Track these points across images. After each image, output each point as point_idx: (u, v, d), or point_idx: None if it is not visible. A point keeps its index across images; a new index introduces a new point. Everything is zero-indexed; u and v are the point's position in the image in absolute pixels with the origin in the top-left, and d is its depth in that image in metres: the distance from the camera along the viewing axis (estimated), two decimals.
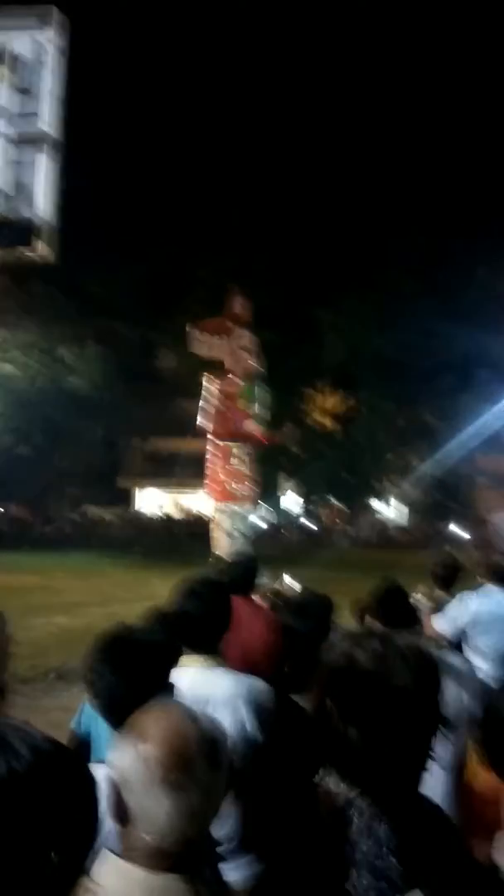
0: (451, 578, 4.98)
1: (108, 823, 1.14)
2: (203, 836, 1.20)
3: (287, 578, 5.98)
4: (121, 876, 1.13)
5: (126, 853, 1.15)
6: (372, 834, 1.33)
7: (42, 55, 2.96)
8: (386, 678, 1.31)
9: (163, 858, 1.14)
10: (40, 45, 2.97)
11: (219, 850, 1.74)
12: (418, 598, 4.68)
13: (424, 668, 1.34)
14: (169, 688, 1.88)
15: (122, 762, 1.17)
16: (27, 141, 2.86)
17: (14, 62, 2.92)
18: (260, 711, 2.21)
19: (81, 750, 2.65)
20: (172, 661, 1.98)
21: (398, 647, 1.35)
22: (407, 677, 1.31)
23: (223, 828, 1.77)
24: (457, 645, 4.65)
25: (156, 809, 1.12)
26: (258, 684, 2.28)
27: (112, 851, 1.17)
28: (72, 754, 1.04)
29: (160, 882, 1.13)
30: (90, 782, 1.00)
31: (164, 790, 1.12)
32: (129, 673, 1.78)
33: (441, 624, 4.46)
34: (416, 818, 1.35)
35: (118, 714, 1.65)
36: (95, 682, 1.84)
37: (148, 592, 12.77)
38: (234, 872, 1.77)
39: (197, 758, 1.13)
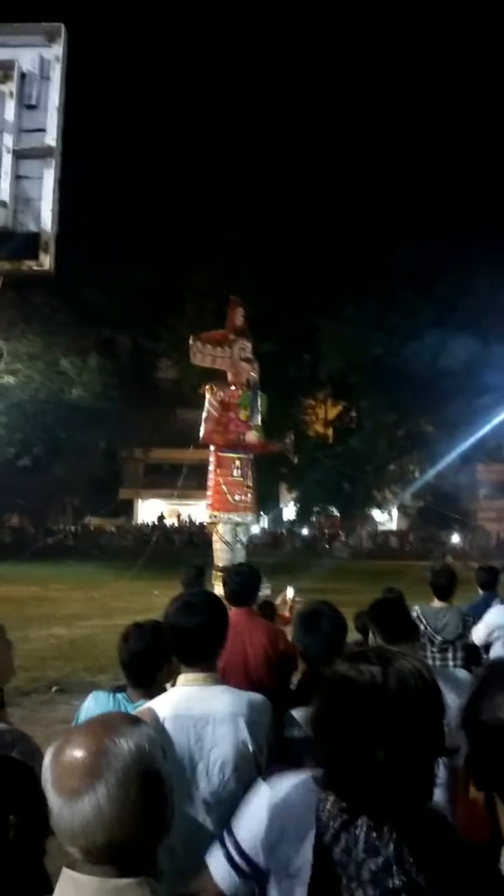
0: (447, 588, 4.95)
1: None
2: (144, 840, 1.17)
3: (290, 591, 5.94)
4: (76, 888, 1.14)
5: (73, 864, 1.16)
6: (375, 853, 1.31)
7: (49, 71, 2.99)
8: (382, 698, 1.29)
9: (105, 865, 1.13)
10: (48, 62, 3.01)
11: None
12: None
13: (423, 690, 1.32)
14: None
15: None
16: (34, 156, 2.90)
17: (21, 78, 2.95)
18: (259, 729, 2.18)
19: None
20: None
21: (397, 667, 1.32)
22: (404, 698, 1.29)
23: None
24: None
25: (59, 818, 1.14)
26: (257, 700, 2.25)
27: (69, 868, 1.17)
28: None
29: (111, 886, 1.13)
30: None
31: (59, 796, 1.14)
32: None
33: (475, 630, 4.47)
34: (420, 837, 1.33)
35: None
36: None
37: (148, 604, 12.75)
38: None
39: (83, 766, 1.13)
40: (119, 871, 1.14)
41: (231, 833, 1.53)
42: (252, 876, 1.49)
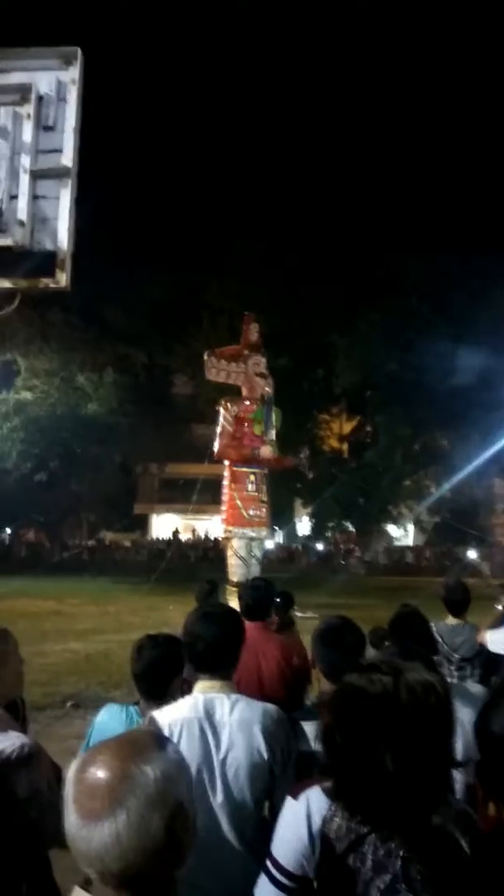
0: (461, 603, 4.85)
1: None
2: (160, 871, 1.12)
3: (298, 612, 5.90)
4: None
5: (86, 884, 1.13)
6: (383, 870, 1.30)
7: (66, 94, 3.09)
8: (393, 707, 1.29)
9: (119, 889, 1.10)
10: (64, 84, 3.10)
11: None
12: None
13: (434, 702, 1.31)
14: None
15: None
16: (50, 176, 2.98)
17: (39, 101, 3.05)
18: (274, 738, 2.21)
19: None
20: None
21: (408, 678, 1.33)
22: (414, 708, 1.29)
23: None
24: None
25: (76, 839, 1.11)
26: (272, 710, 2.27)
27: (81, 888, 1.15)
28: None
29: None
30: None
31: (78, 817, 1.10)
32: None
33: (495, 640, 4.39)
34: (428, 852, 1.31)
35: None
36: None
37: (163, 618, 12.73)
38: None
39: (105, 789, 1.10)
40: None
41: (272, 857, 1.51)
42: (303, 890, 1.47)
